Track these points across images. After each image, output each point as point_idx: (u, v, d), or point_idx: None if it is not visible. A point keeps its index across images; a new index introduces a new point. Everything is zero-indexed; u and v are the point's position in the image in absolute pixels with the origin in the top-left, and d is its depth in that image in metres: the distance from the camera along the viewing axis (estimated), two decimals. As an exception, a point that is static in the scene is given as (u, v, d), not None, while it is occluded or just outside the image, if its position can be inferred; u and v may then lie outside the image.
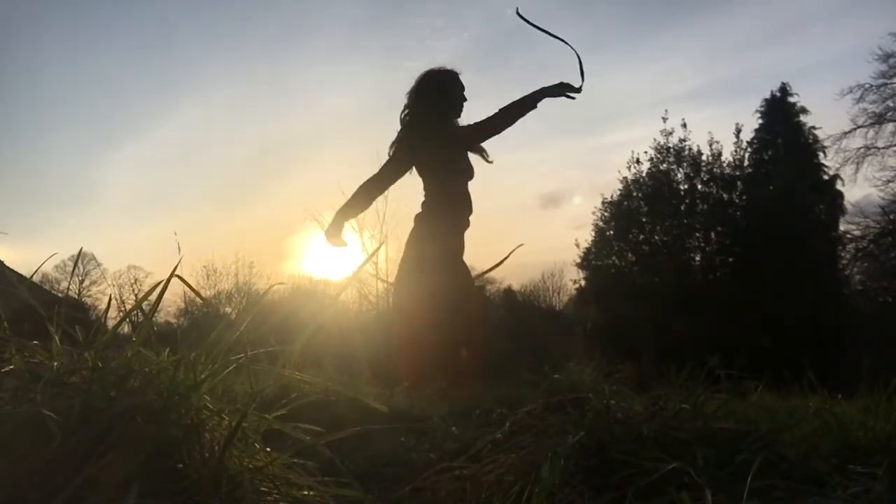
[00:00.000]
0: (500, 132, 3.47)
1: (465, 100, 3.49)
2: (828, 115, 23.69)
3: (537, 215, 42.60)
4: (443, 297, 3.24)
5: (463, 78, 3.47)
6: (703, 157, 17.79)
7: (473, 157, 3.52)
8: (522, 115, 3.42)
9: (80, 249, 29.66)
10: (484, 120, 3.46)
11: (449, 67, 3.49)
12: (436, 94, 3.42)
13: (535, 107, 3.41)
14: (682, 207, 17.75)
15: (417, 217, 3.43)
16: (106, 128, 44.72)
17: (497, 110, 3.43)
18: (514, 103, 3.41)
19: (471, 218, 3.47)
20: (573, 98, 3.39)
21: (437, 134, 3.40)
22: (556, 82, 3.40)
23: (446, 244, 3.36)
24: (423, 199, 3.44)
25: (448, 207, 3.39)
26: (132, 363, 1.04)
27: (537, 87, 3.39)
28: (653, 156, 18.00)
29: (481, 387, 2.82)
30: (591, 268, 18.39)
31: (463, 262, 3.46)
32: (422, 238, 3.38)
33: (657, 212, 17.67)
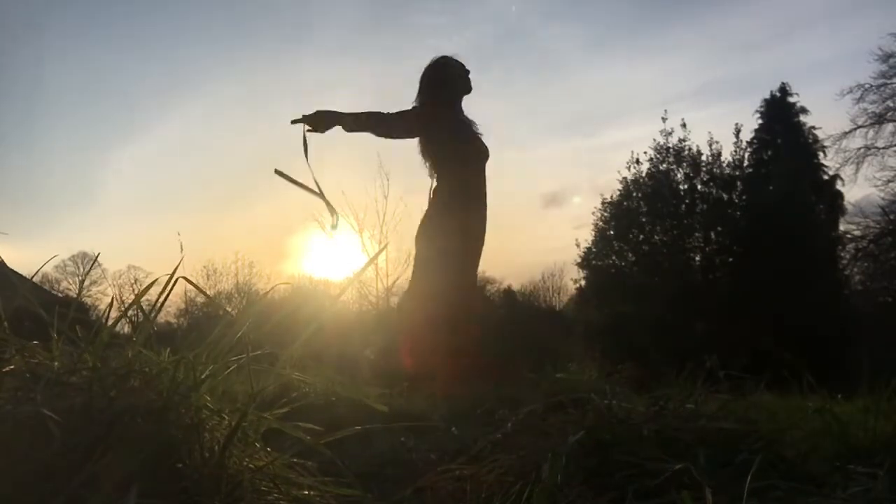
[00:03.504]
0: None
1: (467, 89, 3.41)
2: (828, 115, 23.60)
3: (538, 215, 42.63)
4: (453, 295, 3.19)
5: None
6: (703, 158, 17.77)
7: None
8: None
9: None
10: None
11: (451, 55, 3.41)
12: (444, 82, 3.35)
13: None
14: (682, 207, 17.72)
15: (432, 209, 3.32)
16: (106, 128, 44.72)
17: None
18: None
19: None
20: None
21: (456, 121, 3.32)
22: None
23: (457, 240, 3.27)
24: (437, 190, 3.34)
25: (464, 201, 3.29)
26: (132, 363, 1.04)
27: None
28: (652, 156, 17.98)
29: (482, 387, 2.82)
30: (591, 268, 18.37)
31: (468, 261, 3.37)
32: (436, 233, 3.30)
33: (657, 212, 17.64)
